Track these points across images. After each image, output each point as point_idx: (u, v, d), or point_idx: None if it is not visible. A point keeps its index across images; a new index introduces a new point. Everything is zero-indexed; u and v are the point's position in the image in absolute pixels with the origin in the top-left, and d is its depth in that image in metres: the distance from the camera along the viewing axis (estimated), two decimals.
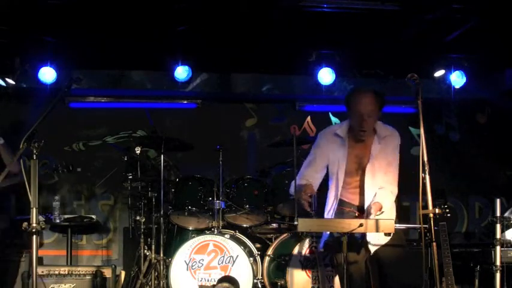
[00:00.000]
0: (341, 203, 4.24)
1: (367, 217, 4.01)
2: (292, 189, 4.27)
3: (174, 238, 6.02)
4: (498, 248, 4.45)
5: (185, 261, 5.44)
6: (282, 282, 5.43)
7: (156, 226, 5.83)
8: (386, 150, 4.19)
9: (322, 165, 4.28)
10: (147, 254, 5.80)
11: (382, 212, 4.06)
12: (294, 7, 5.15)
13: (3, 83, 6.26)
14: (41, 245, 6.61)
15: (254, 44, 6.00)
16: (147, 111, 7.20)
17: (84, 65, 6.45)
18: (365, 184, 4.17)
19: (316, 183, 4.25)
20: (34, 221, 3.57)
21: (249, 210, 5.86)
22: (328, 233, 4.22)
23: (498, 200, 4.54)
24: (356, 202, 4.26)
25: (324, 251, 4.24)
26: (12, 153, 5.09)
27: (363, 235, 4.08)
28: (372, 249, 4.13)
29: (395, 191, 4.19)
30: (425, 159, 3.69)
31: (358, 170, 4.21)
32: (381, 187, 4.14)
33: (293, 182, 4.29)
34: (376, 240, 4.12)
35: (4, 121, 6.53)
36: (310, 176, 4.23)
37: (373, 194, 4.15)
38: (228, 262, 5.47)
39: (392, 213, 4.22)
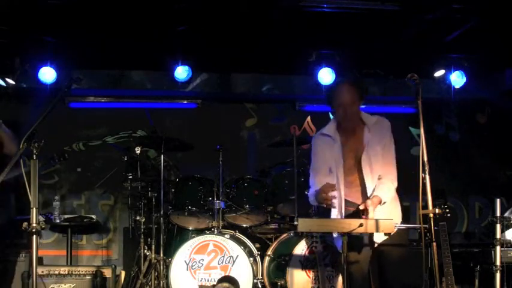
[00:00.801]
0: (346, 203, 4.24)
1: (367, 212, 4.00)
2: (312, 198, 4.22)
3: (174, 238, 6.03)
4: (498, 248, 4.45)
5: (185, 261, 5.44)
6: (282, 282, 5.43)
7: (156, 226, 5.83)
8: (379, 135, 4.17)
9: (326, 168, 4.24)
10: (147, 254, 5.80)
11: (384, 203, 4.04)
12: (294, 7, 5.15)
13: (3, 83, 6.26)
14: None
15: (254, 44, 6.00)
16: (147, 111, 7.20)
17: (84, 65, 6.46)
18: (364, 176, 4.15)
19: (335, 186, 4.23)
20: (34, 221, 3.57)
21: (249, 210, 5.86)
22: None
23: (498, 200, 4.54)
24: (359, 201, 4.25)
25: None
26: (17, 142, 5.06)
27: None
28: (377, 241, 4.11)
29: (395, 176, 4.16)
30: (425, 159, 3.69)
31: (355, 164, 4.19)
32: (380, 177, 4.13)
33: (309, 193, 4.25)
34: (378, 237, 4.11)
35: (4, 121, 6.52)
36: (320, 182, 4.18)
37: (374, 186, 4.14)
38: (228, 262, 5.47)
39: (395, 205, 4.20)
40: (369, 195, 4.13)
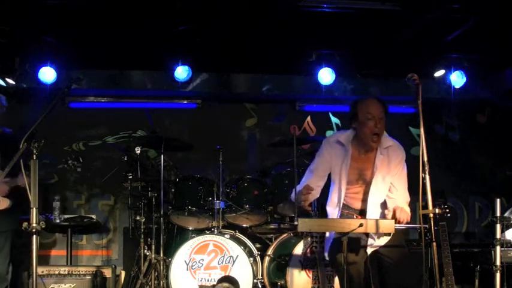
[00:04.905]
0: (343, 207, 4.26)
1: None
2: (292, 195, 4.26)
3: (174, 238, 6.02)
4: (498, 248, 4.45)
5: (185, 261, 5.44)
6: (282, 282, 5.43)
7: (156, 226, 5.83)
8: (390, 162, 4.18)
9: (324, 173, 4.27)
10: (147, 254, 5.80)
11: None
12: (293, 7, 5.14)
13: (3, 83, 6.25)
14: None
15: (254, 44, 6.00)
16: (147, 111, 7.20)
17: (84, 65, 6.46)
18: (369, 196, 4.18)
19: (317, 190, 4.24)
20: (34, 221, 3.57)
21: (249, 210, 5.87)
22: (332, 240, 4.21)
23: (498, 200, 4.54)
24: (355, 206, 4.27)
25: (329, 253, 4.23)
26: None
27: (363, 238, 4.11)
28: (369, 251, 4.15)
29: (407, 201, 4.21)
30: (425, 159, 3.69)
31: (359, 180, 4.22)
32: (392, 197, 4.18)
33: (293, 189, 4.28)
34: (374, 242, 4.13)
35: (4, 121, 6.52)
36: (311, 184, 4.20)
37: (378, 202, 4.17)
38: (228, 262, 5.47)
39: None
40: (370, 209, 4.18)
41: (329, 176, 4.31)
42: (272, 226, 5.89)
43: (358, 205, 4.27)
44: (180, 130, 7.12)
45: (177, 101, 7.28)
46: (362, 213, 4.23)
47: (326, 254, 4.29)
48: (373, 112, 4.08)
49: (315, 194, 4.21)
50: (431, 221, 3.72)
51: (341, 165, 4.19)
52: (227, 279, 5.29)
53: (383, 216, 4.14)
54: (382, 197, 4.21)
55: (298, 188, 4.19)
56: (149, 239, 5.86)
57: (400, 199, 4.16)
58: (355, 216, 4.21)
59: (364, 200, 4.22)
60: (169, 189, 5.99)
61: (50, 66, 6.26)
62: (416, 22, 5.48)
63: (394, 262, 4.13)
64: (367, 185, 4.20)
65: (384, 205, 4.23)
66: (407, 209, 4.09)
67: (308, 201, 4.06)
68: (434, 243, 3.73)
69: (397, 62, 6.29)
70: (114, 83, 6.80)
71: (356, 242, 4.07)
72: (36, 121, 3.73)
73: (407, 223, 4.09)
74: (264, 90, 7.05)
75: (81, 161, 5.30)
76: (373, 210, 4.18)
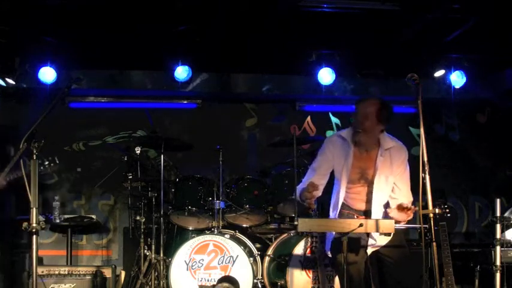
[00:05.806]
0: (342, 206, 4.26)
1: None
2: (298, 193, 4.25)
3: (174, 238, 6.02)
4: (498, 248, 4.45)
5: (185, 261, 5.44)
6: (282, 282, 5.43)
7: (156, 226, 5.83)
8: (392, 163, 4.19)
9: (326, 172, 4.28)
10: (147, 254, 5.80)
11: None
12: (293, 7, 5.14)
13: (3, 83, 6.25)
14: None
15: (254, 44, 6.00)
16: (147, 111, 7.19)
17: (84, 65, 6.45)
18: (373, 196, 4.19)
19: (320, 188, 4.24)
20: (34, 221, 3.57)
21: (249, 210, 5.87)
22: (333, 235, 4.22)
23: (498, 200, 4.54)
24: (357, 207, 4.27)
25: (331, 253, 4.23)
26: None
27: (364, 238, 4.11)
28: (369, 251, 4.15)
29: (411, 201, 4.21)
30: (425, 159, 3.69)
31: (360, 179, 4.22)
32: (395, 197, 4.18)
33: (298, 187, 4.28)
34: (374, 242, 4.13)
35: (4, 121, 6.53)
36: (315, 182, 4.20)
37: (381, 203, 4.17)
38: (228, 262, 5.47)
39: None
40: (374, 209, 4.18)
41: (333, 175, 4.32)
42: (272, 226, 5.89)
43: (361, 206, 4.26)
44: (180, 130, 7.12)
45: (177, 101, 7.28)
46: (366, 214, 4.23)
47: (329, 252, 4.28)
48: (360, 109, 4.18)
49: (318, 192, 4.22)
50: (431, 221, 3.72)
51: (343, 164, 4.19)
52: (227, 279, 5.29)
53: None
54: (386, 198, 4.21)
55: (301, 185, 4.20)
56: (149, 239, 5.86)
57: (403, 199, 4.16)
58: (355, 216, 4.21)
59: (368, 201, 4.21)
60: (169, 189, 5.99)
61: (50, 66, 6.25)
62: (416, 22, 5.48)
63: (394, 262, 4.13)
64: (370, 184, 4.20)
65: (386, 206, 4.23)
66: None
67: (314, 198, 4.07)
68: (434, 243, 3.73)
69: (397, 62, 6.29)
70: (114, 83, 6.80)
71: (356, 242, 4.07)
72: (36, 121, 3.73)
73: (407, 223, 4.09)
74: (264, 90, 7.04)
75: (57, 162, 5.27)
76: (377, 211, 4.18)
